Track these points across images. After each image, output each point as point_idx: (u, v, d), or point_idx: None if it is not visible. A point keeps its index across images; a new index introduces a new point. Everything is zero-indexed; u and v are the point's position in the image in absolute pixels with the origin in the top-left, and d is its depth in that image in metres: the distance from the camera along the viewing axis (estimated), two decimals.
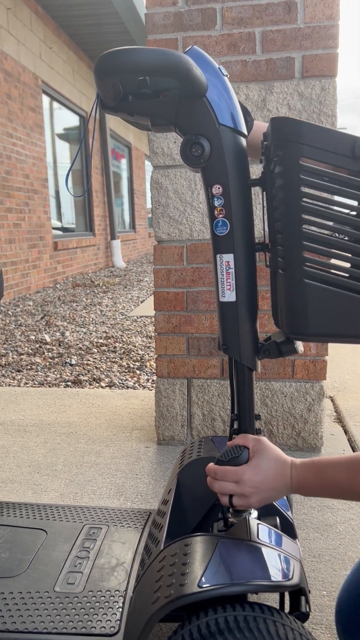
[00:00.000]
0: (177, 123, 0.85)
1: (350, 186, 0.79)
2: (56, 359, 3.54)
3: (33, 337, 4.15)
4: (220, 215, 0.87)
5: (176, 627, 0.80)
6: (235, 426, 0.96)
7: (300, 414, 1.99)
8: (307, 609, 0.87)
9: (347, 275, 0.81)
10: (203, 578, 0.77)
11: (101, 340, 4.01)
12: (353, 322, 0.80)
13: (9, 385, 3.04)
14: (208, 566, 0.79)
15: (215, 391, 2.03)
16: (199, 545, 0.85)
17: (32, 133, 6.46)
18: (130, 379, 3.09)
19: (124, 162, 11.87)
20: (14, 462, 1.99)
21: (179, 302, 2.01)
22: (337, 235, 0.81)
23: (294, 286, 0.81)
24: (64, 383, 3.05)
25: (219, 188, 0.86)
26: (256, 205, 1.88)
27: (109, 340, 4.03)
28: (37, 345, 3.90)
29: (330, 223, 0.80)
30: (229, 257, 0.88)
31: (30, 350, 3.77)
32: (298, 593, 0.88)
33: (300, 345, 0.89)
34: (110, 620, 0.91)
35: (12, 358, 3.59)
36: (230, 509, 0.94)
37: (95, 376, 3.16)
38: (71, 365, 3.41)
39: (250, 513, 0.94)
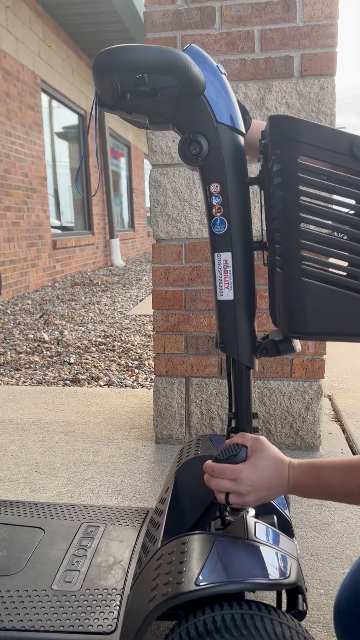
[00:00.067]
0: (175, 121, 0.85)
1: (349, 185, 0.79)
2: (55, 358, 3.54)
3: (32, 336, 4.15)
4: (218, 214, 0.87)
5: (173, 625, 0.80)
6: (233, 424, 0.96)
7: (298, 412, 1.99)
8: (305, 608, 0.87)
9: (345, 273, 0.81)
10: (200, 576, 0.77)
11: (100, 339, 4.00)
12: (351, 321, 0.80)
13: (7, 383, 3.04)
14: (205, 564, 0.79)
15: (214, 390, 2.03)
16: (196, 543, 0.85)
17: (31, 131, 6.45)
18: (128, 378, 3.09)
19: (122, 161, 11.86)
20: (12, 460, 1.99)
21: (178, 300, 2.00)
22: (335, 233, 0.81)
23: (292, 284, 0.81)
24: (62, 382, 3.05)
25: (217, 186, 0.86)
26: (254, 203, 1.88)
27: (108, 339, 4.03)
28: (36, 344, 3.90)
29: (329, 222, 0.80)
30: (226, 256, 0.88)
31: (29, 349, 3.77)
32: (295, 591, 0.88)
33: (298, 344, 0.89)
34: (107, 619, 0.91)
35: (11, 357, 3.59)
36: (228, 508, 0.94)
37: (93, 375, 3.15)
38: (70, 364, 3.41)
39: (247, 511, 0.94)
